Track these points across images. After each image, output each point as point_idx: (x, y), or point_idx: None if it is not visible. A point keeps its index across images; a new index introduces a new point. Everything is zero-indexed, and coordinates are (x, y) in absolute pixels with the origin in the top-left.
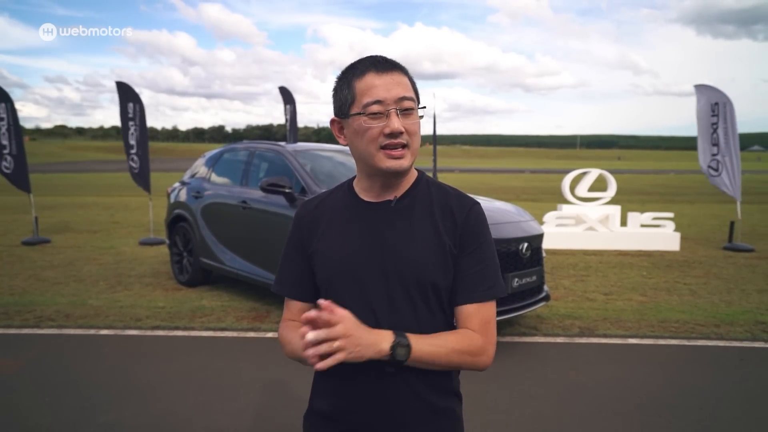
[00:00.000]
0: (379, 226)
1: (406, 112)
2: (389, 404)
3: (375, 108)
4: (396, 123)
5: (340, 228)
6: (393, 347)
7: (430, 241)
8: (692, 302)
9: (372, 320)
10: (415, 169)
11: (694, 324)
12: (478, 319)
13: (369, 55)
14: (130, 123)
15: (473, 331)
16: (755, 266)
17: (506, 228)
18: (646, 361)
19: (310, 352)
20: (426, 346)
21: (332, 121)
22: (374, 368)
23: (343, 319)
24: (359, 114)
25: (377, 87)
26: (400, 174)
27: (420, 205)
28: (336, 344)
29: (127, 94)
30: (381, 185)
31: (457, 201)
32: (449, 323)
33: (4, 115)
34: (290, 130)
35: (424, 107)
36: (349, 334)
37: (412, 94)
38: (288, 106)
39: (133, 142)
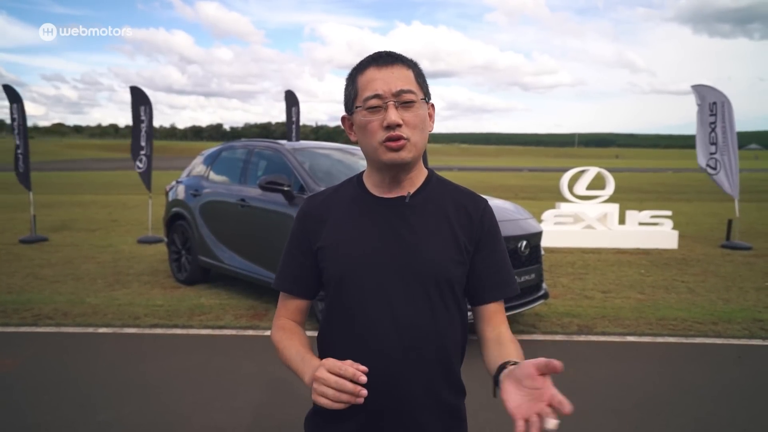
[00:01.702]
0: (394, 222)
1: (406, 105)
2: (403, 402)
3: (373, 102)
4: (393, 116)
5: (352, 223)
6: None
7: (445, 239)
8: (690, 300)
9: (389, 317)
10: (426, 168)
11: (692, 322)
12: (502, 314)
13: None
14: (142, 125)
15: (509, 331)
16: (753, 264)
17: (505, 226)
18: (645, 359)
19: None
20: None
21: (343, 119)
22: (389, 365)
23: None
24: (360, 108)
25: (376, 81)
26: (402, 167)
27: (433, 202)
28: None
29: (138, 97)
30: (390, 180)
31: (471, 199)
32: (463, 318)
33: (16, 116)
34: (295, 132)
35: (424, 99)
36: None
37: (413, 87)
38: (294, 108)
39: (143, 143)
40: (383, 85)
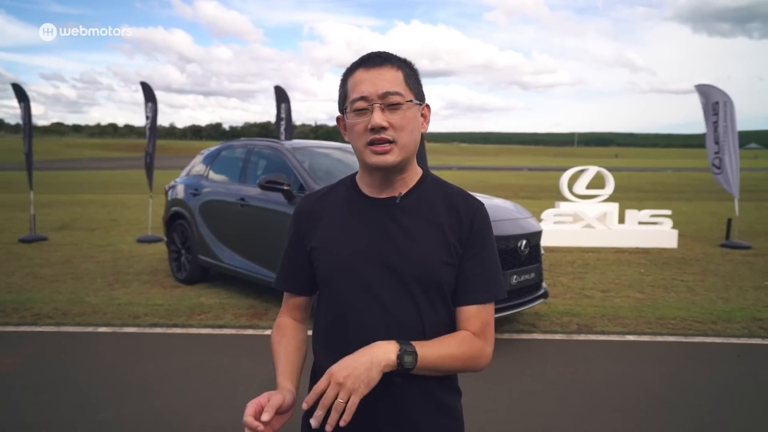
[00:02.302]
0: (385, 223)
1: (392, 107)
2: (397, 402)
3: (359, 104)
4: (378, 118)
5: (343, 223)
6: (400, 356)
7: (435, 240)
8: (690, 299)
9: (379, 318)
10: (420, 167)
11: (691, 321)
12: (479, 321)
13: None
14: (147, 121)
15: (473, 333)
16: (752, 263)
17: (505, 225)
18: (644, 358)
19: (329, 429)
20: (430, 351)
21: (338, 119)
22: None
23: (330, 375)
24: (348, 110)
25: (364, 82)
26: (388, 170)
27: (425, 202)
28: (339, 402)
29: (148, 94)
30: (381, 181)
31: (463, 200)
32: (452, 319)
33: (23, 114)
34: (286, 129)
35: (412, 100)
36: (341, 382)
37: (400, 89)
38: (283, 105)
39: (147, 140)
40: (369, 87)
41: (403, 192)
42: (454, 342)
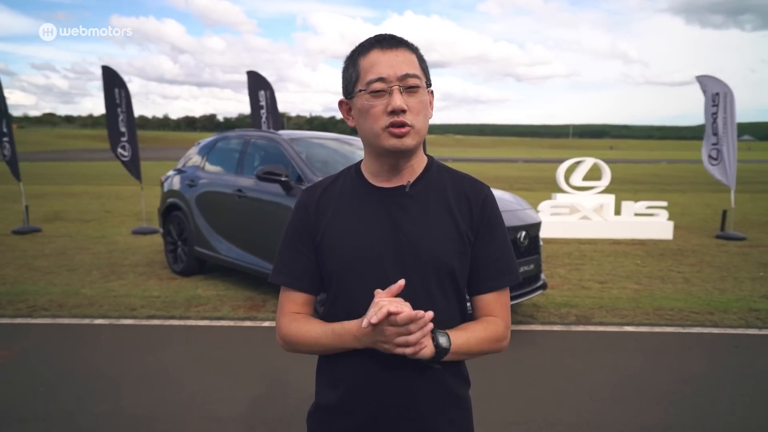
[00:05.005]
0: (395, 212)
1: (410, 90)
2: (408, 393)
3: (377, 85)
4: (398, 100)
5: (351, 214)
6: (434, 336)
7: (446, 228)
8: (686, 290)
9: None
10: (426, 155)
11: (688, 312)
12: (499, 306)
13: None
14: (118, 109)
15: (495, 318)
16: (747, 254)
17: (504, 216)
18: (642, 349)
19: (401, 340)
20: (460, 339)
21: (340, 103)
22: (391, 356)
23: (425, 315)
24: (362, 92)
25: (380, 64)
26: (404, 154)
27: (433, 190)
28: (425, 341)
29: (112, 79)
30: (390, 168)
31: (471, 186)
32: (462, 307)
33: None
34: (268, 119)
35: (428, 84)
36: (420, 333)
37: (417, 72)
38: (263, 92)
39: (123, 129)
40: (388, 68)
41: (412, 180)
42: (480, 327)
